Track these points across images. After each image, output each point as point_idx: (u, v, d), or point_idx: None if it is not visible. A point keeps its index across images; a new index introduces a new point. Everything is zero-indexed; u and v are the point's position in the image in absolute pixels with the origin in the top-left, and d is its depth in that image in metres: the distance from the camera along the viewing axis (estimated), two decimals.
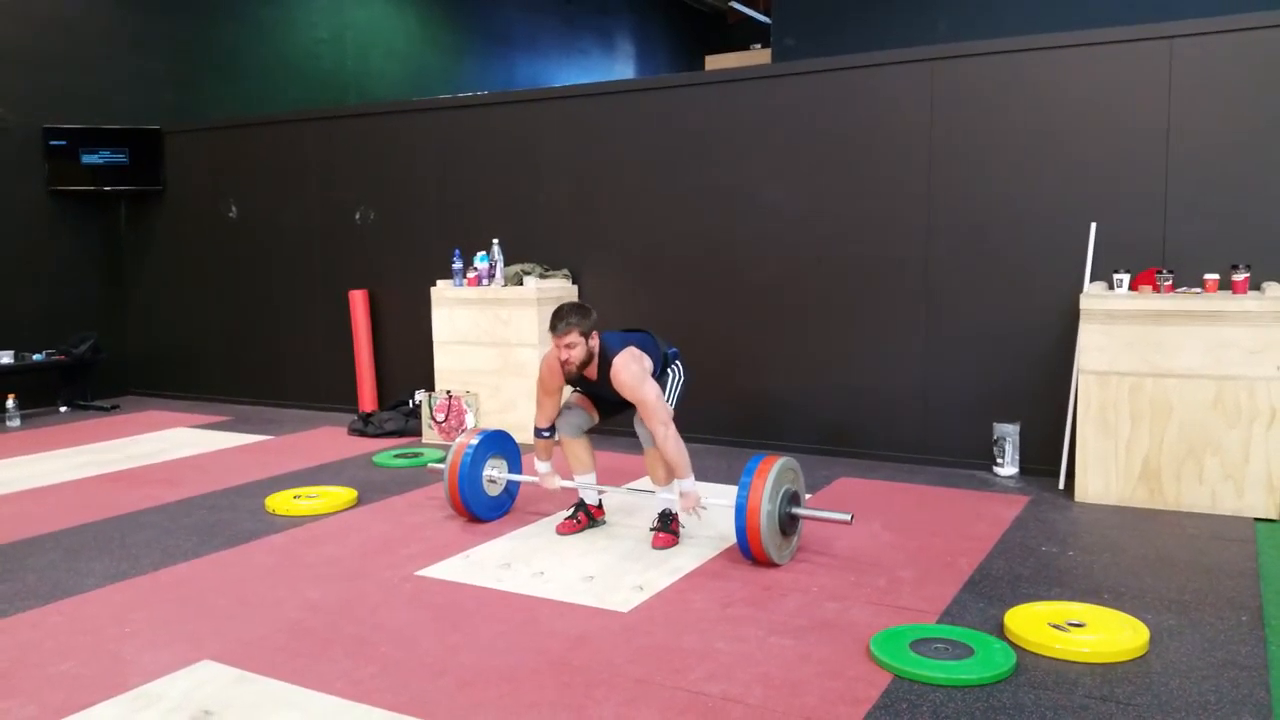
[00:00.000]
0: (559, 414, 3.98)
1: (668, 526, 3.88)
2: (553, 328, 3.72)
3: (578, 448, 4.00)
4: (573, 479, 4.08)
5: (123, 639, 3.01)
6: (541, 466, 4.07)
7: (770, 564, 3.53)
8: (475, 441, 4.15)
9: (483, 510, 4.18)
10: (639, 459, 5.20)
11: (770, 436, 5.53)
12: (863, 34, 8.72)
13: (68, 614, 3.23)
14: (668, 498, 3.88)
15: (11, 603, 3.34)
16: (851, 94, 5.28)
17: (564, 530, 4.02)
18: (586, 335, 3.73)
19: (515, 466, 4.34)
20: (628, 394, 3.72)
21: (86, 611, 3.25)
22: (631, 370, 3.70)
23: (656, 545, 3.81)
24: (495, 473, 4.22)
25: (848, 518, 3.58)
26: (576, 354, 3.72)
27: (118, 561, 3.75)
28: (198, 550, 3.88)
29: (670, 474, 3.83)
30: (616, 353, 3.75)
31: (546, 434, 4.00)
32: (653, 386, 3.71)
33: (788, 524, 3.59)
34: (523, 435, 5.77)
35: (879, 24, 8.85)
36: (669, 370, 3.96)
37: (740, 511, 3.46)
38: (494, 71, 11.93)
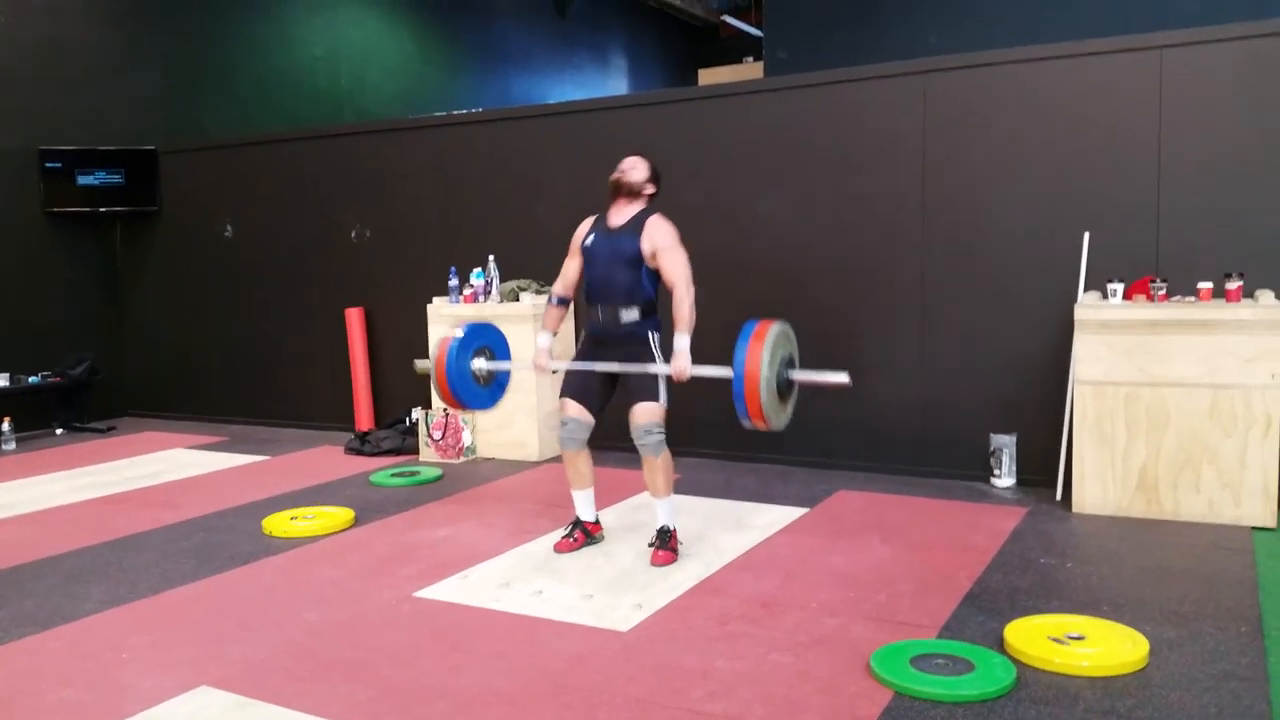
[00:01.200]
0: (561, 425, 3.96)
1: (666, 544, 3.87)
2: (633, 153, 4.02)
3: (579, 461, 3.99)
4: (570, 495, 4.08)
5: (122, 665, 3.00)
6: (542, 340, 4.05)
7: (768, 428, 3.54)
8: (460, 334, 4.07)
9: (475, 400, 4.12)
10: (636, 474, 5.21)
11: (767, 449, 5.53)
12: (854, 46, 8.76)
13: (66, 640, 3.22)
14: (666, 513, 3.89)
15: (9, 629, 3.32)
16: (844, 107, 5.30)
17: (561, 549, 4.01)
18: (649, 179, 3.95)
19: (503, 355, 4.25)
20: (660, 245, 3.78)
21: (85, 637, 3.24)
22: (670, 227, 3.84)
23: (656, 563, 3.80)
24: (483, 361, 4.13)
25: (844, 378, 3.58)
26: (636, 175, 3.92)
27: (116, 585, 3.74)
28: (196, 573, 3.87)
29: (668, 487, 3.85)
30: (657, 212, 3.88)
31: (559, 302, 4.04)
32: (683, 251, 3.83)
33: (785, 389, 3.59)
34: (523, 451, 5.78)
35: (870, 37, 8.90)
36: (649, 336, 3.91)
37: (738, 378, 3.44)
38: (489, 88, 11.97)
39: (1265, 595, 3.35)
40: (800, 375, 3.65)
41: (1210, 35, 4.50)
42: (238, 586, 3.72)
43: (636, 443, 3.83)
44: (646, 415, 3.81)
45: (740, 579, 3.61)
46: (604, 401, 3.99)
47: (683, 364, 3.72)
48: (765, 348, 3.43)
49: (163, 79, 7.98)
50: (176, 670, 2.94)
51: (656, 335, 3.92)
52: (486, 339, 4.19)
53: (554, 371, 4.11)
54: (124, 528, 4.54)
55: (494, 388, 4.22)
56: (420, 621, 3.30)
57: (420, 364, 4.29)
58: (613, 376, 3.93)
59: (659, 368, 3.80)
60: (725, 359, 3.52)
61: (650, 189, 3.96)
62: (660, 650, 3.00)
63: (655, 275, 3.87)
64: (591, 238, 3.95)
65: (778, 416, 3.56)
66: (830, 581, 3.57)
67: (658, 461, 3.82)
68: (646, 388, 3.82)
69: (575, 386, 3.98)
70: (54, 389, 7.11)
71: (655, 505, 3.92)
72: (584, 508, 4.07)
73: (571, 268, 4.02)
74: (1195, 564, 3.69)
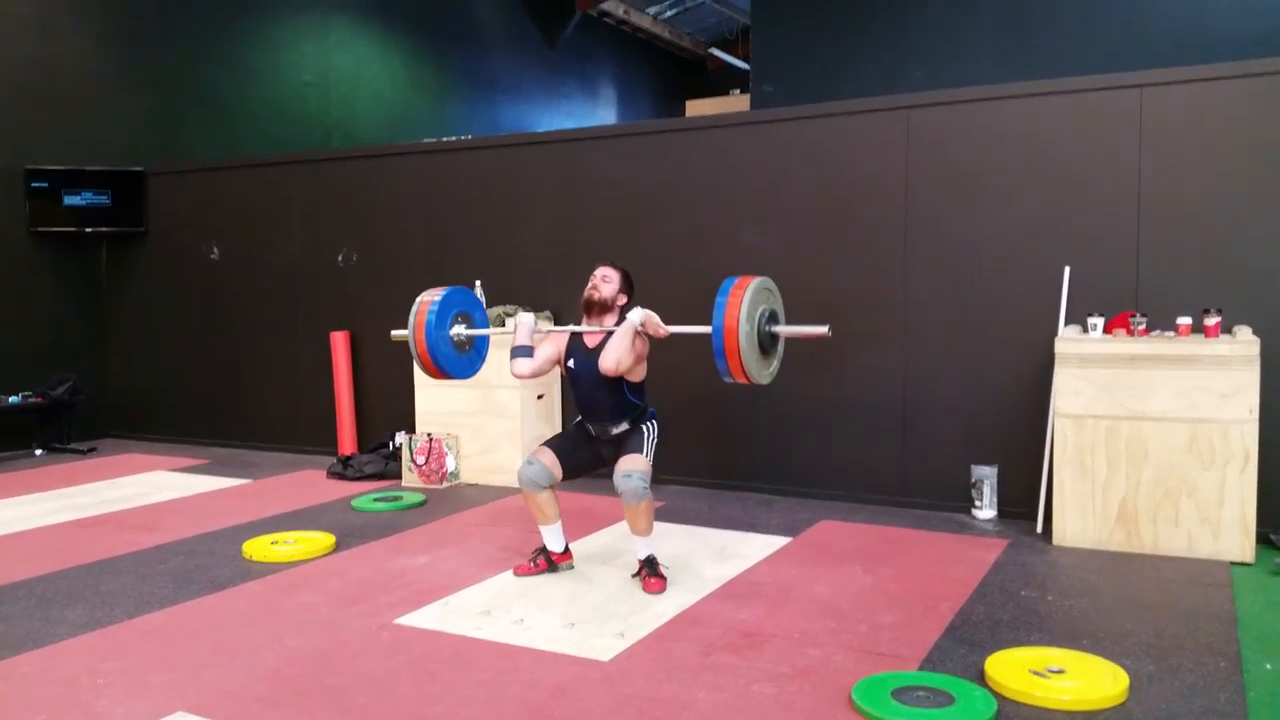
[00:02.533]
0: (526, 463, 3.94)
1: (655, 571, 3.86)
2: (606, 263, 3.98)
3: (539, 500, 3.94)
4: (539, 529, 4.05)
5: (95, 690, 2.96)
6: (526, 317, 3.98)
7: (751, 384, 3.53)
8: (438, 297, 3.94)
9: (455, 368, 4.01)
10: (615, 501, 5.19)
11: (749, 478, 5.53)
12: (839, 80, 8.87)
13: (39, 665, 3.18)
14: (647, 546, 3.87)
15: None
16: (828, 140, 5.36)
17: (520, 571, 4.02)
18: (622, 291, 3.93)
19: (480, 318, 4.17)
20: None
21: (58, 662, 3.20)
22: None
23: (650, 590, 3.78)
24: (462, 328, 4.02)
25: (824, 329, 3.57)
26: (607, 289, 3.90)
27: (91, 609, 3.70)
28: (174, 598, 3.83)
29: (649, 528, 3.83)
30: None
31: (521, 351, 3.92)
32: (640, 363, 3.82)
33: (768, 343, 3.58)
34: (506, 478, 5.76)
35: (855, 70, 9.01)
36: (645, 426, 3.91)
37: (717, 332, 3.41)
38: (478, 116, 12.04)
39: (1244, 630, 3.37)
40: (783, 329, 3.65)
41: (1188, 75, 4.59)
42: (216, 611, 3.68)
43: (618, 489, 3.75)
44: (630, 462, 3.78)
45: (722, 609, 3.61)
46: (580, 470, 3.99)
47: (654, 316, 3.72)
48: (744, 301, 3.42)
49: (152, 102, 7.99)
50: (151, 696, 2.91)
51: (654, 424, 3.91)
52: (463, 304, 4.09)
53: (538, 332, 3.99)
54: (101, 551, 4.50)
55: (473, 355, 4.12)
56: (399, 649, 3.27)
57: (398, 333, 4.12)
58: (600, 454, 3.95)
59: (645, 544, 3.82)
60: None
61: (623, 299, 3.94)
62: (642, 680, 2.99)
63: (637, 386, 3.88)
64: (572, 360, 3.93)
65: (760, 372, 3.54)
66: (812, 612, 3.57)
67: (638, 507, 3.75)
68: (634, 444, 3.83)
69: (561, 446, 3.99)
70: (35, 409, 7.05)
71: (636, 540, 3.90)
72: (551, 540, 4.05)
73: (547, 345, 3.98)
74: (1174, 598, 3.70)
